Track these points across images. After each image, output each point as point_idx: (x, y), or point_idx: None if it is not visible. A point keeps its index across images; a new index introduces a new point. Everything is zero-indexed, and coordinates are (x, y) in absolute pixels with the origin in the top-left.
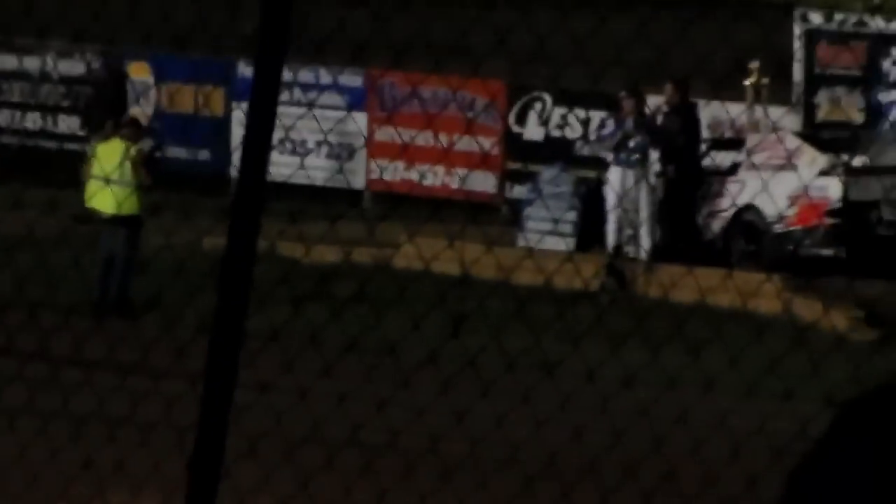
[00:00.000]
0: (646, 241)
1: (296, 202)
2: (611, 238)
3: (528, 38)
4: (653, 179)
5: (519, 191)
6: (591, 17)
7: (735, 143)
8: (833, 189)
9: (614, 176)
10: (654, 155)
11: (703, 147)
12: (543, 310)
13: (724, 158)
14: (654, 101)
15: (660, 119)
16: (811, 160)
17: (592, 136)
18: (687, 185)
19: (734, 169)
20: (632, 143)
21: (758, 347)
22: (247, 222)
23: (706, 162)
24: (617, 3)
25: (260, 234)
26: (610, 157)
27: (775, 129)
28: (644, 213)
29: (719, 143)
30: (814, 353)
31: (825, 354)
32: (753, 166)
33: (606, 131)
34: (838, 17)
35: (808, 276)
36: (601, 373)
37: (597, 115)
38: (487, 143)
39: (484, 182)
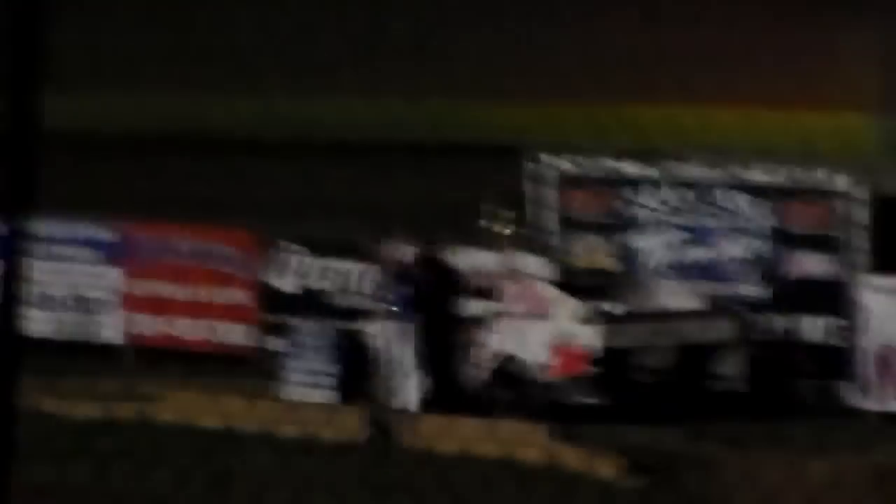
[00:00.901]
0: (411, 392)
1: (49, 358)
2: (375, 389)
3: (275, 189)
4: (416, 330)
5: (275, 343)
6: (336, 167)
7: (487, 292)
8: (592, 337)
9: (377, 327)
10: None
11: (458, 297)
12: (308, 463)
13: (478, 307)
14: (406, 251)
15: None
16: (568, 308)
17: (368, 289)
18: (444, 334)
19: (489, 318)
20: (391, 295)
21: (526, 498)
22: (4, 380)
23: (463, 311)
24: (361, 152)
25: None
26: (375, 307)
27: (527, 276)
28: (407, 363)
29: (472, 292)
30: (581, 503)
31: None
32: (510, 315)
33: (372, 283)
34: (586, 162)
35: (573, 425)
36: None
37: (354, 267)
38: (241, 294)
39: (239, 334)
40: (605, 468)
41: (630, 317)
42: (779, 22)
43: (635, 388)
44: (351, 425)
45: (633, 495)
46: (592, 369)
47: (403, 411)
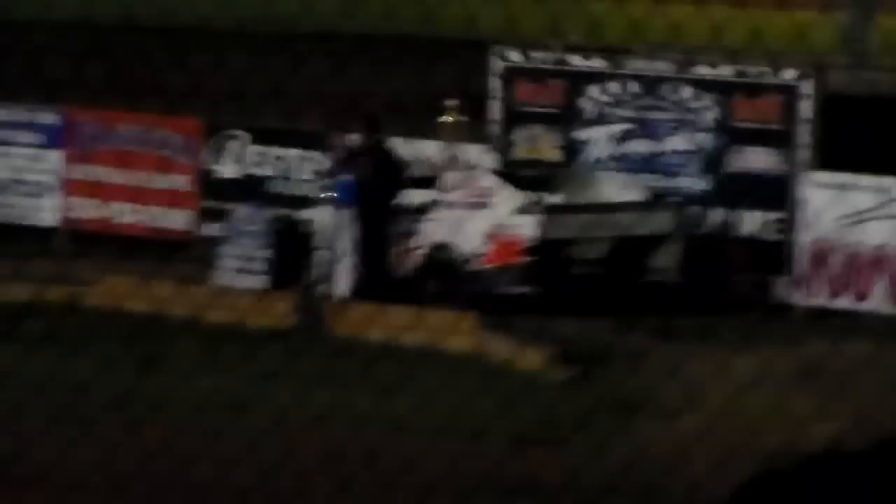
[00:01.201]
0: (342, 280)
1: None
2: (308, 276)
3: (225, 77)
4: (354, 218)
5: (213, 229)
6: (288, 56)
7: (430, 182)
8: (529, 227)
9: (314, 214)
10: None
11: (398, 184)
12: (235, 349)
13: (419, 197)
14: (350, 140)
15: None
16: (508, 198)
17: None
18: (380, 223)
19: (429, 207)
20: (332, 181)
21: (449, 388)
22: None
23: (402, 199)
24: (313, 42)
25: None
26: (314, 194)
27: (470, 167)
28: (342, 251)
29: (414, 182)
30: (505, 393)
31: (517, 394)
32: (448, 204)
33: (314, 170)
34: (536, 55)
35: (503, 315)
36: (291, 412)
37: (294, 154)
38: (182, 180)
39: (178, 220)
40: (534, 359)
41: (567, 208)
42: None
43: (569, 280)
44: (280, 312)
45: (558, 386)
46: (527, 259)
47: (334, 298)
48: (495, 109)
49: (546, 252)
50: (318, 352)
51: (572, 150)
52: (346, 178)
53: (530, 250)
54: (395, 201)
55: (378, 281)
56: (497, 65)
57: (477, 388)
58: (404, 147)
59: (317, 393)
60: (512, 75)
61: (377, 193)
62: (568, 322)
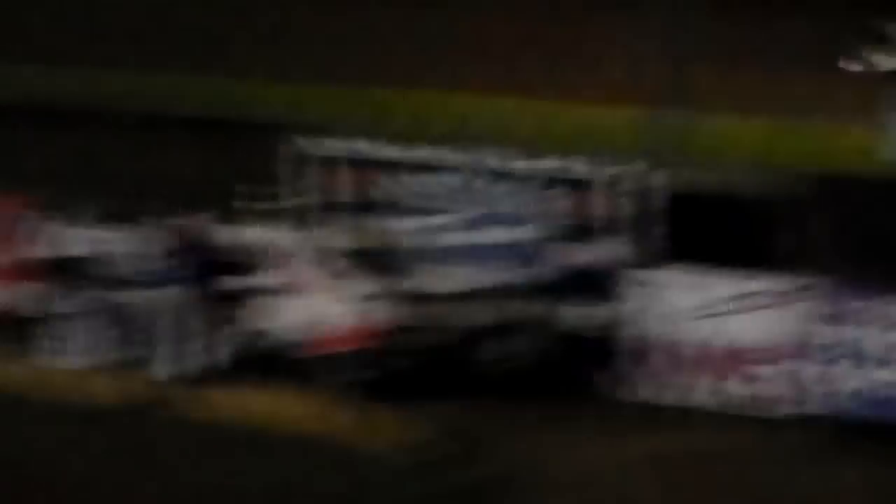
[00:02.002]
0: (166, 362)
1: None
2: (131, 358)
3: (52, 158)
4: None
5: (33, 308)
6: (109, 139)
7: (246, 268)
8: (348, 315)
9: (135, 296)
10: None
11: (218, 272)
12: (60, 428)
13: (238, 283)
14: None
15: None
16: (327, 286)
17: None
18: (203, 309)
19: (249, 293)
20: (152, 266)
21: (268, 466)
22: None
23: (222, 286)
24: (137, 123)
25: None
26: (136, 276)
27: (288, 254)
28: (164, 334)
29: (229, 268)
30: (348, 476)
31: (361, 477)
32: (267, 291)
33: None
34: (349, 143)
35: (327, 402)
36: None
37: (118, 236)
38: (5, 259)
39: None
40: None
41: (388, 295)
42: (555, 14)
43: (397, 370)
44: (103, 392)
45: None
46: (348, 347)
47: (157, 381)
48: (309, 197)
49: (368, 340)
50: (141, 432)
51: (390, 240)
52: (165, 261)
53: (349, 338)
54: (217, 286)
55: (203, 365)
56: (309, 153)
57: (299, 467)
58: (218, 232)
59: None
60: (323, 163)
61: (198, 279)
62: (392, 409)
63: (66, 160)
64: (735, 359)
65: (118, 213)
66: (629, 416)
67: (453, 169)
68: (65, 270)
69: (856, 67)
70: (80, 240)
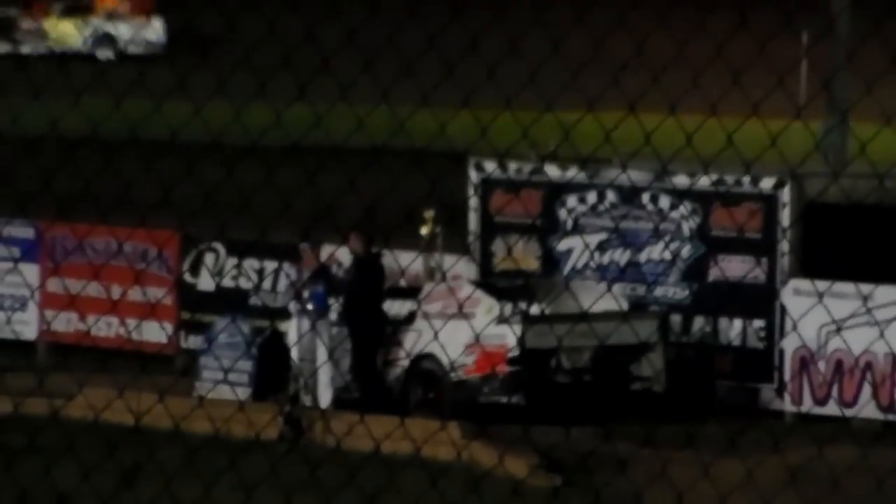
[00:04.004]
0: (323, 389)
1: None
2: (289, 386)
3: (196, 189)
4: (332, 329)
5: (193, 341)
6: (257, 168)
7: (410, 292)
8: (510, 337)
9: (291, 325)
10: (334, 305)
11: (382, 296)
12: (218, 459)
13: (400, 307)
14: (329, 251)
15: (343, 270)
16: (488, 308)
17: (281, 288)
18: (371, 334)
19: (411, 318)
20: (307, 293)
21: (434, 495)
22: None
23: (386, 310)
24: (281, 152)
25: None
26: (290, 305)
27: (446, 277)
28: (320, 361)
29: (395, 292)
30: (491, 501)
31: (503, 501)
32: (429, 315)
33: (287, 282)
34: (513, 165)
35: (486, 424)
36: None
37: (270, 266)
38: (159, 293)
39: (156, 332)
40: (517, 467)
41: (549, 317)
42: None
43: (552, 388)
44: (262, 422)
45: (544, 493)
46: (509, 369)
47: (316, 409)
48: (473, 220)
49: (529, 361)
50: (302, 462)
51: (551, 260)
52: (320, 287)
53: (513, 360)
54: (378, 311)
55: (362, 391)
56: (473, 175)
57: (463, 496)
58: (382, 257)
59: (301, 502)
60: (488, 186)
61: (361, 303)
62: (551, 430)
63: (213, 190)
64: None
65: (267, 243)
66: (790, 429)
67: (612, 186)
68: (220, 302)
69: None
70: (228, 270)
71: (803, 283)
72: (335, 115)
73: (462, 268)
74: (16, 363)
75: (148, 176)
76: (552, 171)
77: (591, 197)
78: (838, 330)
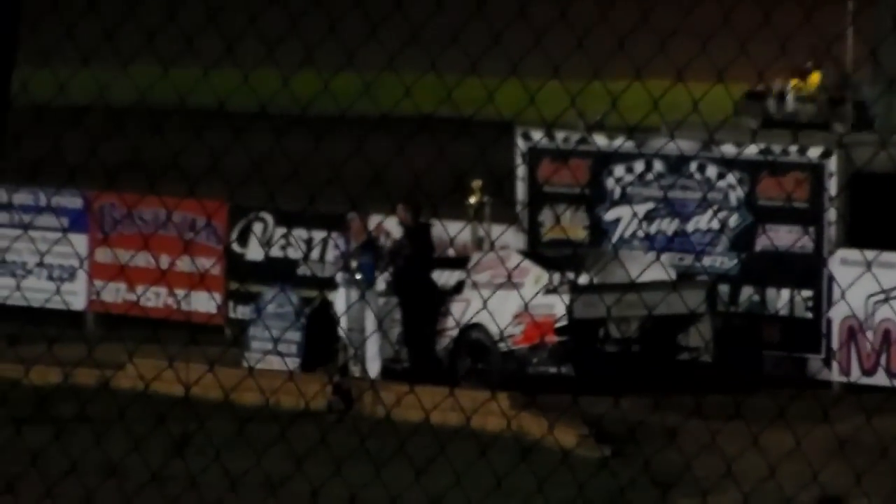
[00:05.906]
0: (372, 360)
1: (14, 324)
2: (338, 356)
3: (244, 158)
4: (380, 299)
5: (242, 311)
6: (305, 137)
7: (459, 262)
8: (558, 307)
9: (339, 295)
10: (382, 275)
11: (431, 266)
12: (267, 429)
13: (448, 277)
14: (377, 221)
15: (391, 240)
16: (536, 278)
17: (331, 257)
18: (421, 304)
19: (459, 288)
20: (355, 263)
21: (483, 465)
22: None
23: (434, 280)
24: (330, 121)
25: None
26: (338, 276)
27: (495, 247)
28: (368, 331)
29: (443, 262)
30: (540, 470)
31: (552, 471)
32: (478, 285)
33: (337, 252)
34: (560, 134)
35: (535, 394)
36: (325, 492)
37: (318, 235)
38: (208, 263)
39: (205, 302)
40: (567, 437)
41: (598, 287)
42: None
43: (600, 359)
44: (311, 393)
45: (593, 463)
46: (558, 339)
47: (365, 379)
48: (520, 190)
49: (577, 331)
50: (351, 432)
51: (599, 230)
52: (369, 258)
53: (561, 330)
54: (426, 281)
55: (412, 361)
56: (521, 144)
57: (513, 466)
58: (430, 227)
59: (351, 472)
60: (536, 155)
61: (410, 273)
62: (600, 401)
63: (261, 160)
64: None
65: (315, 213)
66: (837, 399)
67: (659, 155)
68: (269, 272)
69: None
70: (276, 240)
71: (851, 253)
72: (383, 83)
73: (510, 237)
74: (65, 333)
75: (196, 145)
76: (599, 140)
77: (639, 166)
78: (886, 299)
